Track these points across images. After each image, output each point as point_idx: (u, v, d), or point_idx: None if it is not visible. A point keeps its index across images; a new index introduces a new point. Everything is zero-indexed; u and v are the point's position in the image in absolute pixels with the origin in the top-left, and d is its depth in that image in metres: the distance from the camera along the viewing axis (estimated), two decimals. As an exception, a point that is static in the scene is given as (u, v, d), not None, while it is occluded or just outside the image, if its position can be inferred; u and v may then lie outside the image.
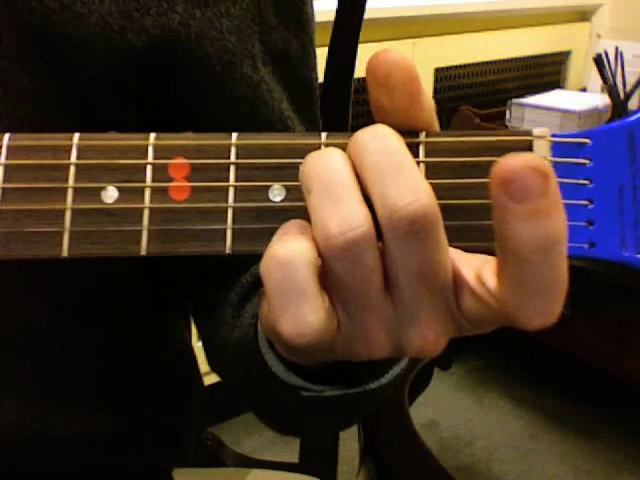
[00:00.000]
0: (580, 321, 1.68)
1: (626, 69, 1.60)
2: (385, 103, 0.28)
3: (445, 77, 1.84)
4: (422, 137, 0.29)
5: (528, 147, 0.29)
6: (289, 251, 0.26)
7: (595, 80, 1.71)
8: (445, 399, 1.81)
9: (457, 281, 0.28)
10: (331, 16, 0.65)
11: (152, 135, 0.30)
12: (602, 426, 1.70)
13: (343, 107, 0.68)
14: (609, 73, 1.58)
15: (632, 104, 1.57)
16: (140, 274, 0.50)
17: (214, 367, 0.51)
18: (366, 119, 1.62)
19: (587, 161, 0.29)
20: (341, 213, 0.26)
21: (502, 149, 0.29)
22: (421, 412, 1.71)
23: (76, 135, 0.30)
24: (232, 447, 0.81)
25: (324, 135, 0.30)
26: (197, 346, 0.56)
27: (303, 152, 0.29)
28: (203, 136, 0.30)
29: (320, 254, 0.26)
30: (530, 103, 1.67)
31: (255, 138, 0.30)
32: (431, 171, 0.29)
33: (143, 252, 0.30)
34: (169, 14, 0.42)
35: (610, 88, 1.57)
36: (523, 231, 0.24)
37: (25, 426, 0.48)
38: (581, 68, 2.11)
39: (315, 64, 0.51)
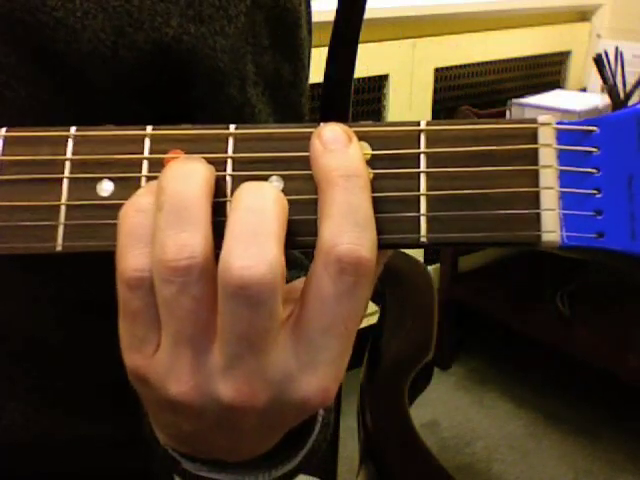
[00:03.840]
0: (580, 321, 1.68)
1: (626, 69, 1.60)
2: None
3: (445, 77, 1.84)
4: (423, 125, 0.28)
5: (533, 135, 0.28)
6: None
7: (595, 80, 1.71)
8: (445, 399, 1.81)
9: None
10: (331, 16, 0.65)
11: (149, 127, 0.30)
12: (602, 426, 1.70)
13: (343, 107, 0.68)
14: (609, 73, 1.58)
15: (632, 104, 1.57)
16: None
17: None
18: (366, 119, 1.62)
19: (595, 149, 0.28)
20: (183, 241, 0.26)
21: (506, 137, 0.28)
22: (421, 412, 1.71)
23: (73, 128, 0.30)
24: (232, 447, 0.81)
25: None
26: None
27: (305, 142, 0.29)
28: (201, 127, 0.30)
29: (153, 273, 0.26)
30: (530, 103, 1.67)
31: (253, 128, 0.30)
32: (432, 160, 0.28)
33: None
34: (163, 28, 0.41)
35: (610, 88, 1.58)
36: (327, 161, 0.27)
37: (26, 428, 0.48)
38: (581, 68, 2.11)
39: (305, 90, 0.50)
